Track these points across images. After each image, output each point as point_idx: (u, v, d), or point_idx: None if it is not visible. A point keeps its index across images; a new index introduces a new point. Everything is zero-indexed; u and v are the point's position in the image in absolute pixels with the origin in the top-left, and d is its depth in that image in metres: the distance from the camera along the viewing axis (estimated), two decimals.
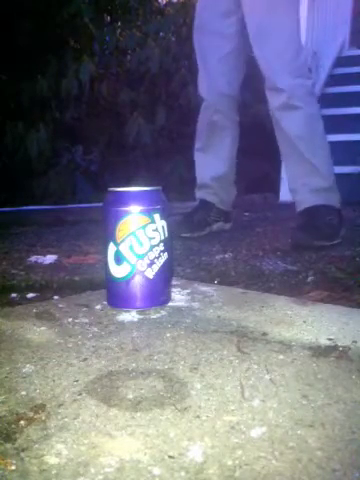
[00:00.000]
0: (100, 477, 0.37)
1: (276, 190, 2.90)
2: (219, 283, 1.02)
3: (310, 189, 1.45)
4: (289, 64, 1.46)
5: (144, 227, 0.75)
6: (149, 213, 0.76)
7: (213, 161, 1.64)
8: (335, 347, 0.62)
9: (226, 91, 1.58)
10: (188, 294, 0.89)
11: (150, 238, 0.76)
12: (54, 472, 0.38)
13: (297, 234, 1.38)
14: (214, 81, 1.58)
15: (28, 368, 0.57)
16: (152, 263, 0.76)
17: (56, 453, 0.40)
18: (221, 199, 1.65)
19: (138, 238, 0.75)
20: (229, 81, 1.57)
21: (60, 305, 0.83)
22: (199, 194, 1.69)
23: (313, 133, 1.46)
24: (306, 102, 1.46)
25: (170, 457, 0.39)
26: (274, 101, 1.48)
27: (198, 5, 1.59)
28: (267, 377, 0.54)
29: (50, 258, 1.24)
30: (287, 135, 1.46)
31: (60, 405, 0.48)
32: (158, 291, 0.79)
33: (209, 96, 1.59)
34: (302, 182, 1.47)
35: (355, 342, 0.64)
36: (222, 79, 1.56)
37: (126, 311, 0.78)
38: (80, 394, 0.50)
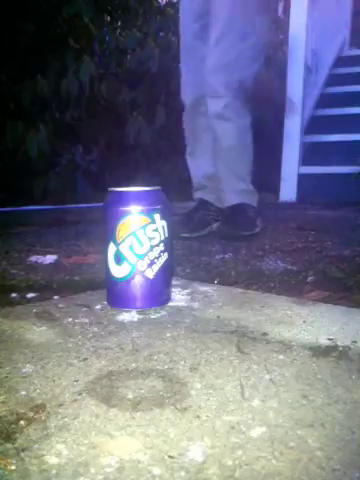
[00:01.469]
0: (100, 477, 0.37)
1: (276, 190, 2.90)
2: (219, 283, 1.02)
3: (234, 190, 1.62)
4: (233, 73, 1.51)
5: (144, 227, 0.75)
6: (149, 213, 0.76)
7: (201, 162, 1.68)
8: (335, 347, 0.62)
9: (205, 93, 1.59)
10: (188, 294, 0.89)
11: (150, 238, 0.76)
12: (54, 472, 0.38)
13: (223, 227, 1.57)
14: (195, 84, 1.60)
15: (28, 368, 0.57)
16: (152, 263, 0.77)
17: (56, 453, 0.40)
18: (218, 197, 1.66)
19: (138, 238, 0.75)
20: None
21: (60, 305, 0.83)
22: (197, 194, 1.71)
23: (243, 145, 1.61)
24: (239, 114, 1.57)
25: (170, 457, 0.39)
26: (212, 106, 1.55)
27: (180, 9, 1.63)
28: (267, 377, 0.54)
29: (50, 258, 1.24)
30: (220, 144, 1.58)
31: (60, 405, 0.48)
32: (158, 291, 0.79)
33: (190, 100, 1.63)
34: (229, 184, 1.62)
35: (355, 342, 0.64)
36: (201, 82, 1.58)
37: (126, 311, 0.78)
38: (80, 394, 0.50)
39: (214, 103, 1.54)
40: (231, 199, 1.62)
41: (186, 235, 1.54)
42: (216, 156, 1.63)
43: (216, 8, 1.50)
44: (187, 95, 1.64)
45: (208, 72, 1.53)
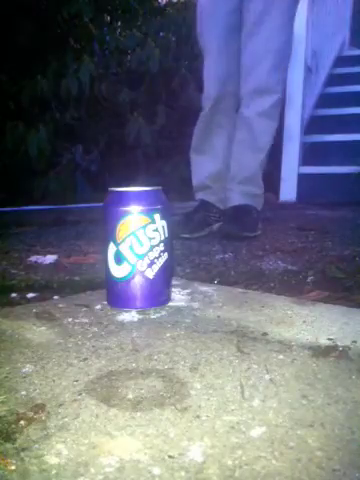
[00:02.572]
0: (100, 477, 0.37)
1: (276, 190, 2.90)
2: (219, 283, 1.02)
3: (244, 192, 1.61)
4: (284, 71, 1.51)
5: (144, 227, 0.75)
6: (149, 213, 0.76)
7: (208, 159, 1.66)
8: (335, 347, 0.62)
9: (233, 89, 1.58)
10: (188, 294, 0.89)
11: (150, 238, 0.76)
12: (54, 472, 0.38)
13: (226, 226, 1.55)
14: (225, 80, 1.57)
15: (28, 368, 0.57)
16: (152, 263, 0.76)
17: (56, 453, 0.40)
18: (220, 198, 1.66)
19: (138, 238, 0.75)
20: (236, 79, 1.57)
21: (60, 305, 0.83)
22: (198, 195, 1.69)
23: (269, 147, 1.60)
24: (278, 115, 1.57)
25: (170, 457, 0.39)
26: (257, 106, 1.52)
27: (201, 4, 1.57)
28: (267, 377, 0.54)
29: (50, 258, 1.24)
30: (255, 143, 1.56)
31: (60, 405, 0.48)
32: (158, 291, 0.79)
33: (216, 95, 1.58)
34: (240, 185, 1.61)
35: (355, 342, 0.64)
36: (231, 77, 1.57)
37: (126, 311, 0.78)
38: (80, 394, 0.50)
39: (261, 100, 1.51)
40: (237, 199, 1.60)
41: (186, 236, 1.53)
42: (238, 154, 1.59)
43: (259, 3, 1.46)
44: (215, 90, 1.58)
45: (262, 67, 1.49)
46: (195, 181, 1.69)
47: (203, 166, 1.67)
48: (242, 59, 1.53)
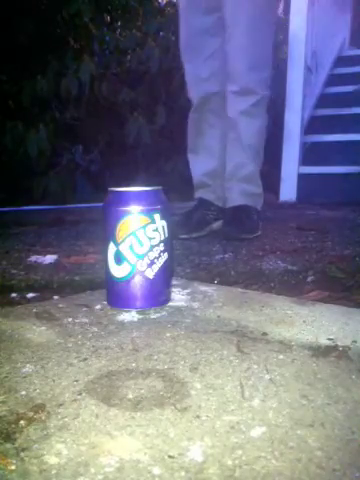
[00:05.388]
0: (100, 477, 0.37)
1: (276, 190, 2.90)
2: (219, 283, 1.02)
3: (243, 191, 1.60)
4: (264, 70, 1.52)
5: (144, 227, 0.75)
6: (149, 213, 0.76)
7: (203, 158, 1.66)
8: (335, 347, 0.62)
9: (216, 89, 1.58)
10: (188, 294, 0.89)
11: (150, 238, 0.76)
12: (54, 472, 0.38)
13: (226, 227, 1.55)
14: (204, 81, 1.58)
15: (28, 368, 0.57)
16: (152, 263, 0.77)
17: (56, 453, 0.40)
18: (218, 196, 1.66)
19: (138, 238, 0.75)
20: (219, 78, 1.57)
21: (60, 305, 0.83)
22: (197, 193, 1.69)
23: (260, 144, 1.59)
24: (264, 112, 1.56)
25: (170, 457, 0.39)
26: (240, 105, 1.53)
27: (180, 5, 1.58)
28: (267, 377, 0.54)
29: (50, 258, 1.24)
30: (242, 142, 1.56)
31: (60, 405, 0.48)
32: (158, 291, 0.79)
33: (199, 97, 1.60)
34: (238, 184, 1.60)
35: (355, 342, 0.64)
36: (212, 78, 1.57)
37: (126, 311, 0.78)
38: (80, 394, 0.50)
39: (243, 100, 1.52)
40: (236, 199, 1.60)
41: (184, 236, 1.52)
42: (231, 154, 1.60)
43: (235, 2, 1.47)
44: (195, 92, 1.61)
45: (239, 67, 1.50)
46: (194, 180, 1.70)
47: (199, 165, 1.67)
48: (226, 60, 1.53)
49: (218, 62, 1.55)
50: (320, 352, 0.61)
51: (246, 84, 1.51)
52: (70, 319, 0.75)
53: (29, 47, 3.11)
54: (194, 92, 1.61)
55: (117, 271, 0.77)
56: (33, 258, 1.25)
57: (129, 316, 0.76)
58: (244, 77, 1.50)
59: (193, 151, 1.68)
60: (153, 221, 0.76)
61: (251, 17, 1.46)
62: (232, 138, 1.58)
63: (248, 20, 1.46)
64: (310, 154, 2.98)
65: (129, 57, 3.42)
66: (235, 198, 1.61)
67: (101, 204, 0.79)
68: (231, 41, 1.50)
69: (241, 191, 1.60)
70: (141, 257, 0.76)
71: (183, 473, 0.37)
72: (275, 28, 1.56)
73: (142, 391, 0.51)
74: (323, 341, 0.64)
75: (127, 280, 0.77)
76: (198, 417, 0.46)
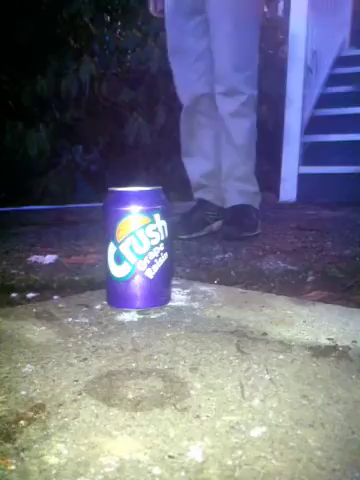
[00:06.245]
0: (100, 477, 0.37)
1: (276, 190, 2.90)
2: (219, 283, 1.02)
3: (239, 190, 1.61)
4: (249, 69, 1.51)
5: (144, 227, 0.75)
6: (149, 213, 0.75)
7: (199, 160, 1.66)
8: (335, 347, 0.62)
9: (205, 91, 1.58)
10: (188, 294, 0.89)
11: (150, 238, 0.76)
12: (54, 472, 0.38)
13: (226, 227, 1.55)
14: (191, 83, 1.59)
15: (28, 368, 0.57)
16: (152, 263, 0.76)
17: (56, 453, 0.40)
18: (217, 196, 1.66)
19: (138, 238, 0.75)
20: (207, 80, 1.57)
21: (60, 305, 0.83)
22: (196, 194, 1.70)
23: (251, 144, 1.60)
24: (252, 111, 1.56)
25: (170, 457, 0.39)
26: (228, 106, 1.53)
27: (166, 9, 1.58)
28: (267, 377, 0.54)
29: (50, 258, 1.24)
30: (232, 142, 1.56)
31: (60, 405, 0.48)
32: (158, 291, 0.79)
33: (188, 100, 1.60)
34: (234, 184, 1.61)
35: (355, 342, 0.64)
36: (201, 79, 1.57)
37: (126, 311, 0.78)
38: (80, 394, 0.50)
39: (231, 101, 1.52)
40: (235, 199, 1.60)
41: (184, 237, 1.52)
42: (225, 154, 1.60)
43: (218, 3, 1.47)
44: (184, 95, 1.62)
45: (224, 69, 1.50)
46: (191, 182, 1.70)
47: (195, 167, 1.68)
48: (211, 62, 1.53)
49: (206, 63, 1.55)
50: (320, 352, 0.61)
51: (232, 85, 1.51)
52: (70, 319, 0.75)
53: (29, 47, 3.11)
54: (184, 94, 1.62)
55: (117, 271, 0.77)
56: (33, 258, 1.25)
57: (129, 316, 0.76)
58: (229, 78, 1.51)
59: (187, 154, 1.69)
60: (153, 221, 0.76)
61: (234, 18, 1.46)
62: (224, 139, 1.59)
63: (231, 21, 1.46)
64: (310, 154, 2.98)
65: (129, 57, 3.42)
66: (233, 198, 1.61)
67: (101, 204, 0.79)
68: (215, 42, 1.50)
69: (238, 191, 1.61)
70: (141, 257, 0.76)
71: (183, 473, 0.37)
72: (259, 27, 1.54)
73: (142, 391, 0.51)
74: (323, 341, 0.64)
75: (127, 280, 0.77)
76: (198, 417, 0.46)
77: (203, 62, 1.55)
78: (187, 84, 1.60)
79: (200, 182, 1.67)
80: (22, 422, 0.45)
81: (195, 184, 1.69)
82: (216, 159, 1.64)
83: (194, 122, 1.62)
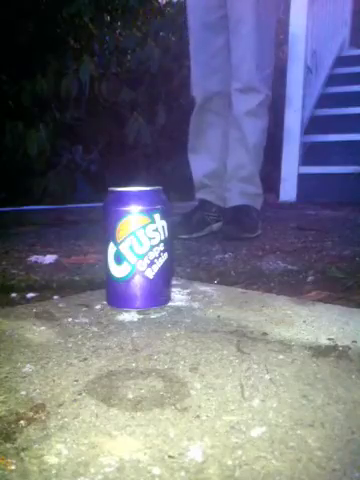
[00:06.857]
0: (100, 477, 0.37)
1: (276, 190, 2.90)
2: (219, 283, 1.02)
3: (242, 191, 1.61)
4: (267, 68, 1.51)
5: (144, 227, 0.75)
6: (149, 213, 0.76)
7: (203, 158, 1.66)
8: (335, 347, 0.62)
9: (219, 88, 1.58)
10: (188, 294, 0.89)
11: (150, 238, 0.76)
12: (54, 472, 0.38)
13: (227, 227, 1.54)
14: (207, 80, 1.58)
15: (28, 368, 0.57)
16: (152, 263, 0.76)
17: (56, 453, 0.40)
18: (219, 196, 1.65)
19: (138, 238, 0.75)
20: (222, 77, 1.56)
21: (60, 305, 0.83)
22: (198, 194, 1.69)
23: (262, 145, 1.60)
24: (266, 113, 1.57)
25: (170, 457, 0.39)
26: (244, 103, 1.53)
27: (187, 5, 1.59)
28: (267, 377, 0.54)
29: (50, 258, 1.24)
30: (246, 141, 1.56)
31: (60, 405, 0.48)
32: (158, 291, 0.79)
33: (202, 96, 1.60)
34: (238, 184, 1.61)
35: (355, 342, 0.64)
36: (215, 76, 1.57)
37: (126, 311, 0.78)
38: (80, 394, 0.50)
39: (247, 98, 1.52)
40: (236, 199, 1.60)
41: (184, 237, 1.52)
42: (232, 153, 1.60)
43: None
44: (199, 92, 1.60)
45: (244, 65, 1.50)
46: (194, 181, 1.70)
47: (200, 165, 1.67)
48: (230, 58, 1.53)
49: (222, 60, 1.55)
50: (320, 352, 0.61)
51: (250, 81, 1.50)
52: (70, 319, 0.75)
53: (29, 47, 3.11)
54: (198, 91, 1.61)
55: (117, 271, 0.77)
56: (33, 258, 1.25)
57: (129, 316, 0.76)
58: (250, 75, 1.50)
59: (193, 150, 1.68)
60: (153, 221, 0.76)
61: (257, 15, 1.46)
62: (235, 138, 1.58)
63: (253, 18, 1.46)
64: (310, 154, 2.99)
65: (129, 57, 3.42)
66: (235, 198, 1.61)
67: (101, 204, 0.79)
68: (236, 39, 1.49)
69: (241, 191, 1.60)
70: (141, 257, 0.76)
71: (183, 473, 0.37)
72: (276, 28, 1.56)
73: (142, 391, 0.51)
74: (323, 341, 0.64)
75: (127, 280, 0.77)
76: (198, 417, 0.46)
77: (219, 59, 1.55)
78: (202, 80, 1.59)
79: (203, 182, 1.67)
80: (22, 422, 0.45)
81: (198, 183, 1.69)
82: (221, 158, 1.64)
83: (204, 120, 1.62)
